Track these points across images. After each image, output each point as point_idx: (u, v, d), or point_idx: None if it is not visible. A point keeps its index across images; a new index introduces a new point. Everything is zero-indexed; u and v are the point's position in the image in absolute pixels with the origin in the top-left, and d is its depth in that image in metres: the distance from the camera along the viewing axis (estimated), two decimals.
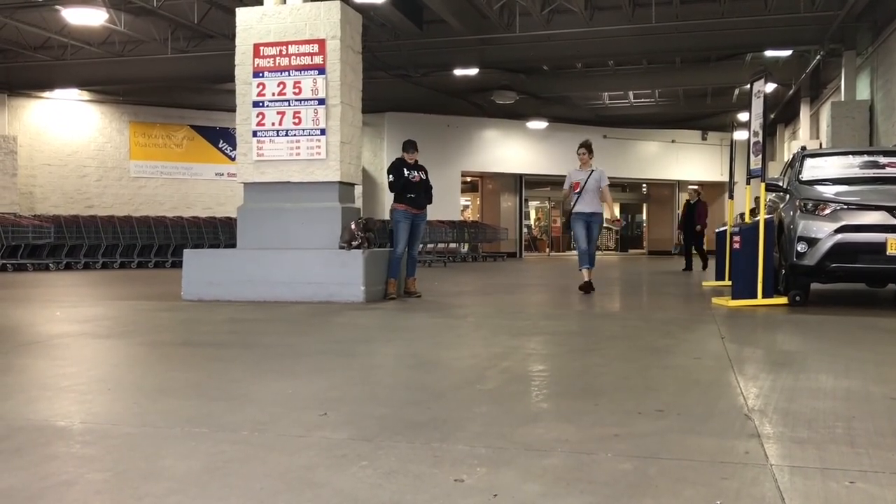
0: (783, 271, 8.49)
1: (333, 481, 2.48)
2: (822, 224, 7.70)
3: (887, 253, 7.47)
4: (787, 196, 8.62)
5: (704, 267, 16.55)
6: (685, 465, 2.63)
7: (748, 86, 9.51)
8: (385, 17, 15.69)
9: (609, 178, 10.12)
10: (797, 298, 8.03)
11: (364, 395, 3.89)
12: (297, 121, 9.25)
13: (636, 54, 18.65)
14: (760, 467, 2.59)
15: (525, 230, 30.36)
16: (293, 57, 9.28)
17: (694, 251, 16.89)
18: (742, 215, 14.55)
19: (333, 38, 9.19)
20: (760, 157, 8.63)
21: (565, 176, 13.46)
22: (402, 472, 2.55)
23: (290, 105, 9.28)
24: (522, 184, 28.48)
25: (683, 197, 32.17)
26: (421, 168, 9.50)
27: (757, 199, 10.40)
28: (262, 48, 9.37)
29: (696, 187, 17.72)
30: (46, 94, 21.41)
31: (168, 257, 18.58)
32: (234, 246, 10.08)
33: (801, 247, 7.76)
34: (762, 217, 8.23)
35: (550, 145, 26.63)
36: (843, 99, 16.11)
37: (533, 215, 34.42)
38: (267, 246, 9.25)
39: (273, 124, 9.33)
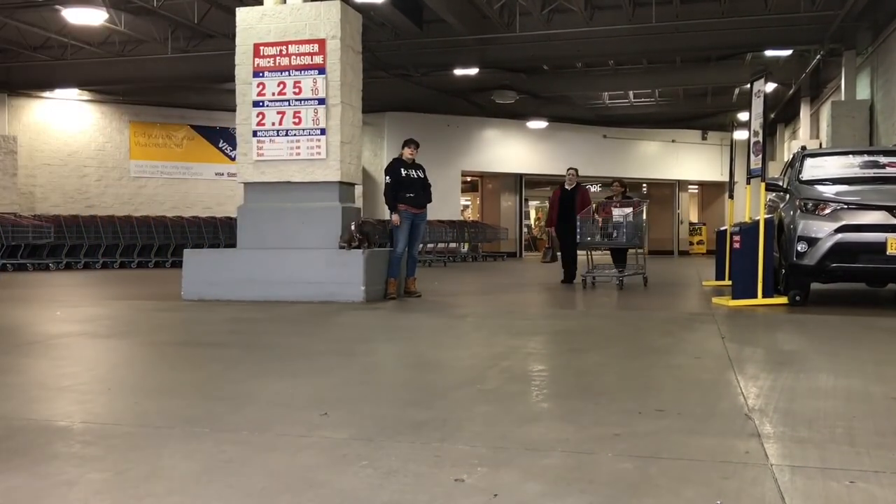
0: (783, 271, 8.49)
1: (334, 481, 2.48)
2: (822, 224, 7.70)
3: (887, 253, 7.46)
4: (788, 196, 8.62)
5: (567, 279, 11.94)
6: (686, 465, 2.63)
7: (748, 85, 9.51)
8: (385, 17, 15.68)
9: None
10: (797, 298, 8.03)
11: (364, 394, 3.89)
12: (297, 121, 9.25)
13: (636, 54, 18.63)
14: (761, 467, 2.59)
15: (525, 230, 30.34)
16: (293, 57, 9.28)
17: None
18: None
19: (333, 38, 9.20)
20: (760, 156, 8.64)
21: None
22: (403, 472, 2.55)
23: (290, 105, 9.28)
24: (522, 183, 28.46)
25: (684, 197, 32.39)
26: (419, 167, 9.51)
27: None
28: (262, 48, 9.37)
29: (574, 168, 12.56)
30: (46, 93, 21.39)
31: (168, 257, 18.58)
32: (234, 246, 10.08)
33: (801, 246, 7.76)
34: (762, 216, 8.23)
35: (551, 145, 26.61)
36: (843, 98, 16.11)
37: (533, 215, 34.40)
38: (267, 246, 9.25)
39: (273, 124, 9.33)
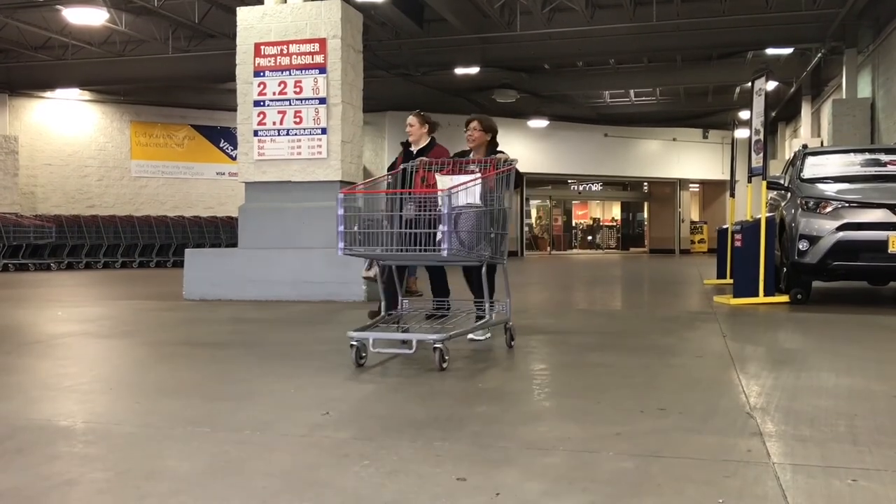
0: (784, 269, 8.48)
1: (336, 481, 2.48)
2: (823, 222, 7.69)
3: (889, 251, 7.45)
4: (789, 194, 8.61)
5: (379, 308, 5.44)
6: (687, 464, 2.62)
7: (749, 84, 9.50)
8: (386, 16, 15.68)
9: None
10: (799, 297, 8.02)
11: (365, 393, 3.89)
12: (298, 120, 9.25)
13: (637, 53, 18.63)
14: (763, 465, 2.59)
15: (526, 229, 30.35)
16: (294, 56, 9.29)
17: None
18: None
19: (334, 38, 9.20)
20: (762, 155, 8.63)
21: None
22: (405, 472, 2.55)
23: (291, 104, 9.29)
24: (523, 183, 28.41)
25: (685, 197, 32.37)
26: None
27: None
28: (262, 47, 9.38)
29: (419, 112, 6.96)
30: (48, 93, 21.41)
31: (169, 257, 18.60)
32: (235, 245, 10.08)
33: (802, 245, 7.75)
34: (763, 215, 8.23)
35: (551, 144, 26.61)
36: (844, 97, 16.10)
37: (534, 214, 34.42)
38: (268, 245, 9.25)
39: (274, 123, 9.34)
